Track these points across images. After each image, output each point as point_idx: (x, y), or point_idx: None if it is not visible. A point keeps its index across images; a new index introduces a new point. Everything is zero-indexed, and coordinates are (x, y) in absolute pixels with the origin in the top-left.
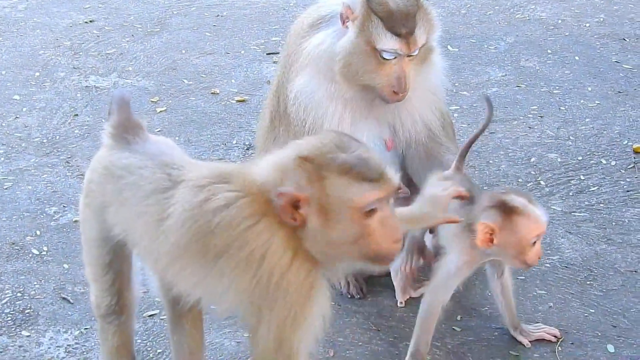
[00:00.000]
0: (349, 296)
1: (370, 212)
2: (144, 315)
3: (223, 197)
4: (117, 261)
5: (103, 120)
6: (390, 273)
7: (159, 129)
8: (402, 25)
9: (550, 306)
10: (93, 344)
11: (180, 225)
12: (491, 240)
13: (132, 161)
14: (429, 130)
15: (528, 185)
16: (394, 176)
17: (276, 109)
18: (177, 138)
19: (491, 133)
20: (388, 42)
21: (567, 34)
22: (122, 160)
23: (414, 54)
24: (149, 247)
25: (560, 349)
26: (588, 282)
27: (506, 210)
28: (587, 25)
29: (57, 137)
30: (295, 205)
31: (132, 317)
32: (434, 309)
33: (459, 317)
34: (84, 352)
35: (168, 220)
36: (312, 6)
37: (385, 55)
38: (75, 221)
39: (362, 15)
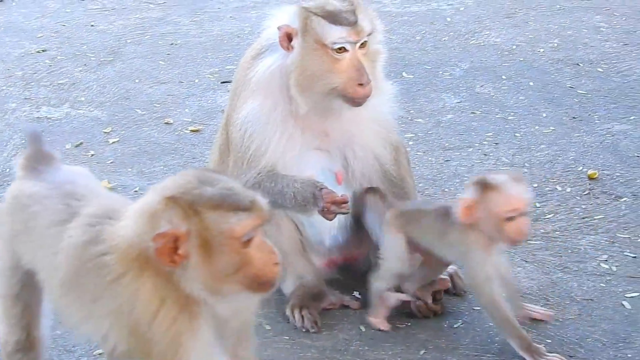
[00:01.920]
0: (304, 330)
1: (248, 240)
2: (94, 353)
3: (103, 244)
4: (26, 292)
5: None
6: (344, 305)
7: (112, 160)
8: (344, 17)
9: None
10: None
11: (67, 262)
12: (469, 214)
13: (39, 190)
14: (381, 165)
15: None
16: (265, 203)
17: (224, 142)
18: (130, 169)
19: (446, 161)
20: (336, 33)
21: (521, 59)
22: (29, 189)
23: (364, 39)
24: (47, 279)
25: None
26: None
27: (484, 186)
28: (542, 50)
29: (8, 169)
30: (174, 245)
31: (41, 354)
32: (496, 302)
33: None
34: None
35: (59, 255)
36: (252, 44)
37: (336, 46)
38: None
39: (303, 22)
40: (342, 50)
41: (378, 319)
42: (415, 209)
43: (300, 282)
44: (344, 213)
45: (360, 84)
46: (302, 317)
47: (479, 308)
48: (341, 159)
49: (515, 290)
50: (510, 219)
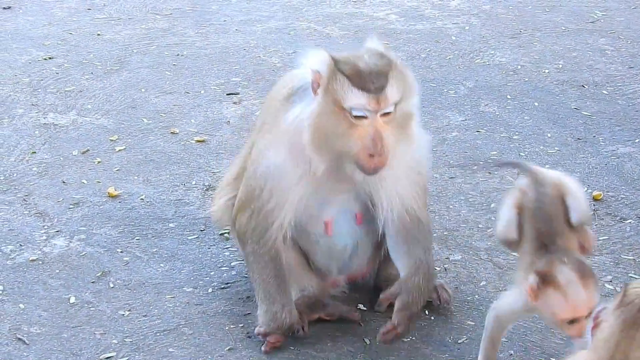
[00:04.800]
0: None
1: None
2: (100, 357)
3: None
4: None
5: (62, 158)
6: (344, 317)
7: (118, 168)
8: (370, 81)
9: (511, 354)
10: None
11: None
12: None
13: None
14: (404, 206)
15: (488, 231)
16: None
17: (243, 170)
18: (136, 177)
19: (451, 178)
20: (355, 99)
21: (526, 79)
22: None
23: (386, 111)
24: None
25: None
26: (549, 330)
27: (546, 280)
28: (547, 71)
29: (15, 174)
30: None
31: None
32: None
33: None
34: None
35: None
36: (287, 75)
37: (355, 113)
38: (32, 260)
39: (329, 75)
40: (361, 116)
41: None
42: None
43: (302, 293)
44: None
45: (372, 155)
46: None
47: (484, 324)
48: (364, 199)
49: None
50: (570, 322)
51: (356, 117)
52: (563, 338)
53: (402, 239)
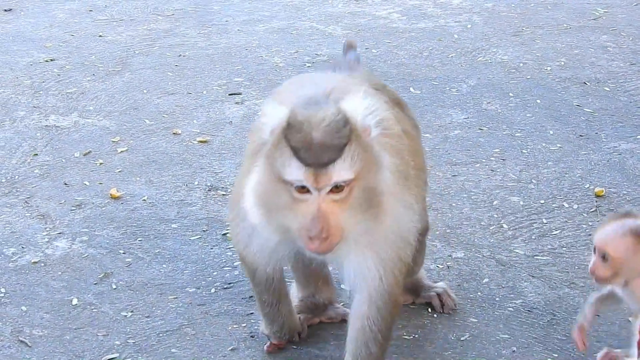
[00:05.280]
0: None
1: None
2: (103, 359)
3: None
4: None
5: (63, 160)
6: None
7: (120, 169)
8: (314, 154)
9: (514, 350)
10: None
11: None
12: None
13: None
14: (370, 297)
15: (491, 228)
16: None
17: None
18: (138, 178)
19: (454, 176)
20: (293, 172)
21: (528, 77)
22: None
23: (326, 188)
24: None
25: None
26: (551, 326)
27: None
28: (549, 69)
29: (17, 177)
30: None
31: None
32: None
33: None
34: None
35: None
36: (258, 120)
37: (295, 186)
38: (34, 263)
39: (275, 140)
40: (304, 190)
41: None
42: None
43: (304, 299)
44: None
45: (311, 238)
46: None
47: (486, 321)
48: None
49: None
50: None
51: (300, 191)
52: (566, 335)
53: (356, 319)
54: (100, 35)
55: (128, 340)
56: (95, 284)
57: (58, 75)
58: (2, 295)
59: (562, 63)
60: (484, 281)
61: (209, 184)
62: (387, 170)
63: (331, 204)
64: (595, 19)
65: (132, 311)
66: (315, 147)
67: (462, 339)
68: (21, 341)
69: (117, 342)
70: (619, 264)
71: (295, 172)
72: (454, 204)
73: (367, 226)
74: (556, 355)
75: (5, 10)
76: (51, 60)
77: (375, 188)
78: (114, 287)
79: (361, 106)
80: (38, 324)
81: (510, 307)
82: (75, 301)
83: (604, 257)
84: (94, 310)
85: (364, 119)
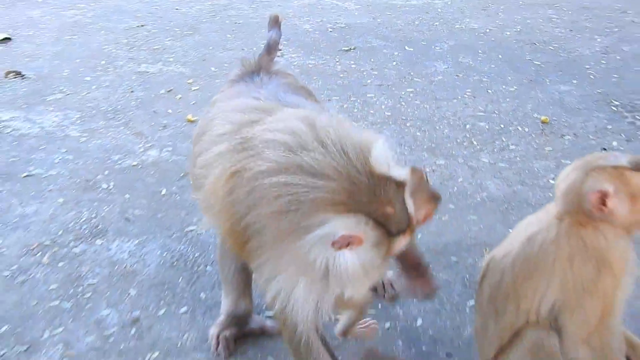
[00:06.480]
0: (217, 354)
1: None
2: (185, 230)
3: None
4: None
5: (152, 95)
6: (265, 331)
7: (194, 102)
8: None
9: (481, 227)
10: (148, 249)
11: None
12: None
13: None
14: None
15: (464, 144)
16: None
17: None
18: (207, 108)
19: (438, 108)
20: None
21: (492, 39)
22: None
23: None
24: None
25: None
26: (508, 212)
27: None
28: (508, 33)
29: (119, 106)
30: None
31: None
32: None
33: None
34: (141, 255)
35: None
36: None
37: None
38: (134, 165)
39: None
40: None
41: None
42: None
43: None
44: None
45: None
46: (218, 342)
47: (461, 208)
48: None
49: None
50: None
51: None
52: (519, 217)
53: None
54: (176, 9)
55: (202, 218)
56: (177, 180)
57: (146, 36)
58: (111, 187)
59: (518, 29)
60: (459, 180)
61: None
62: None
63: None
64: None
65: None
66: None
67: (442, 219)
68: (126, 218)
69: (195, 219)
70: None
71: None
72: (437, 127)
73: None
74: (511, 230)
75: None
76: (141, 26)
77: None
78: (191, 182)
79: None
80: (138, 207)
81: (478, 198)
82: (163, 191)
83: None
84: (177, 197)
85: None
